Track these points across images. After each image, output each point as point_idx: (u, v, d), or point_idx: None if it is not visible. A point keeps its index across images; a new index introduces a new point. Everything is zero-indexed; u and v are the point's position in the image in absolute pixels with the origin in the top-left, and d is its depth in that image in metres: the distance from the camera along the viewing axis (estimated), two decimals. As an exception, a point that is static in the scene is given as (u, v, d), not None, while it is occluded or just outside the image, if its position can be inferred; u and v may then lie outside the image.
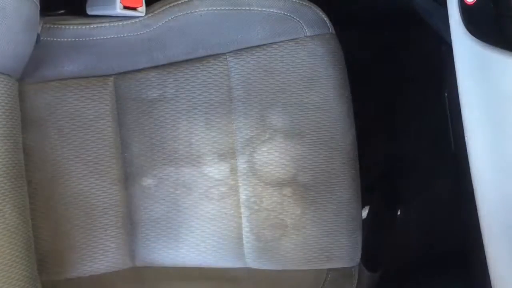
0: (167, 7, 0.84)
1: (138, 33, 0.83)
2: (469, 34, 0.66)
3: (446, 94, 0.88)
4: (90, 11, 0.84)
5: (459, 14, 0.67)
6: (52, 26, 0.81)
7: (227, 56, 0.85)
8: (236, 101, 0.84)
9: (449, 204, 1.00)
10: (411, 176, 1.19)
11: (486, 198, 0.69)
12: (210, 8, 0.84)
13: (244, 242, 0.85)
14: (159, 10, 0.84)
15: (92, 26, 0.82)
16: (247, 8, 0.84)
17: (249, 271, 0.86)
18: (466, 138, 0.70)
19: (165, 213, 0.84)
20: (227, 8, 0.84)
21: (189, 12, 0.84)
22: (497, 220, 0.68)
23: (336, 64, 0.86)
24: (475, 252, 0.77)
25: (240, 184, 0.84)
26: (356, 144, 0.88)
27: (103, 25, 0.83)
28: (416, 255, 1.12)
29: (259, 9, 0.84)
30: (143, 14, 0.83)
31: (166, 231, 0.84)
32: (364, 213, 1.09)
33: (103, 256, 0.82)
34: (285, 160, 0.85)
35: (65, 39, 0.82)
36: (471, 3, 0.65)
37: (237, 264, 0.86)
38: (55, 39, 0.81)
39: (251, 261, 0.85)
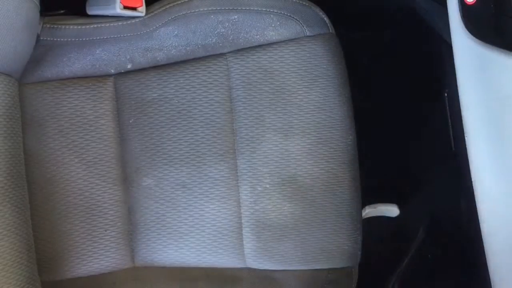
0: (167, 7, 0.84)
1: (138, 33, 0.83)
2: (469, 34, 0.66)
3: (446, 94, 0.88)
4: (90, 11, 0.85)
5: (459, 14, 0.67)
6: (52, 26, 0.81)
7: (227, 56, 0.84)
8: (236, 101, 0.84)
9: (449, 203, 1.00)
10: (411, 176, 1.19)
11: (486, 198, 0.69)
12: (210, 8, 0.84)
13: (244, 242, 0.85)
14: (159, 10, 0.84)
15: (92, 26, 0.82)
16: (247, 8, 0.84)
17: (249, 271, 0.86)
18: (466, 138, 0.70)
19: (165, 213, 0.84)
20: (226, 8, 0.84)
21: (189, 12, 0.84)
22: (497, 219, 0.68)
23: (336, 64, 0.86)
24: (475, 251, 0.77)
25: (240, 184, 0.84)
26: (356, 144, 0.88)
27: (103, 25, 0.83)
28: (416, 254, 1.12)
29: (259, 9, 0.84)
30: (143, 14, 0.83)
31: (166, 231, 0.84)
32: (364, 213, 1.09)
33: (103, 256, 0.82)
34: (285, 160, 0.84)
35: (65, 39, 0.82)
36: (471, 3, 0.65)
37: (237, 264, 0.86)
38: (55, 39, 0.81)
39: (251, 261, 0.85)
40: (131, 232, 0.84)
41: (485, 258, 0.71)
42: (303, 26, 0.85)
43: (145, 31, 0.83)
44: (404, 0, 0.92)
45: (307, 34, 0.86)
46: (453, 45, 0.70)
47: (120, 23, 0.83)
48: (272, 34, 0.85)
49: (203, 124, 0.84)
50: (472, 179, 0.70)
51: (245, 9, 0.84)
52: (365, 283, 0.94)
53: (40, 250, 0.78)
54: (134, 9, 0.82)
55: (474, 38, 0.65)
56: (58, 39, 0.82)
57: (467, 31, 0.66)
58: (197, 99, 0.84)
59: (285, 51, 0.85)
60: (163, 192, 0.84)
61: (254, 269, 0.86)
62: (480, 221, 0.70)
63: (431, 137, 1.13)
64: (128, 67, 0.84)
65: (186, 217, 0.84)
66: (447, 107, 0.88)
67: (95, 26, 0.82)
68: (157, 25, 0.83)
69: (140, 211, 0.84)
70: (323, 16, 0.87)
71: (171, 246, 0.84)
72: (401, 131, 1.20)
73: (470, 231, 0.83)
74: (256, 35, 0.85)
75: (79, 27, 0.82)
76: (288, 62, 0.85)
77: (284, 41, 0.85)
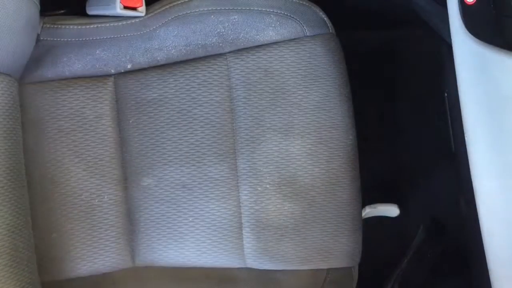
0: (167, 7, 0.84)
1: (138, 33, 0.83)
2: (469, 34, 0.66)
3: (446, 94, 0.88)
4: (90, 11, 0.85)
5: (459, 14, 0.67)
6: (52, 26, 0.81)
7: (227, 56, 0.85)
8: (236, 101, 0.84)
9: (449, 203, 1.00)
10: (411, 176, 1.19)
11: (486, 198, 0.69)
12: (210, 8, 0.84)
13: (244, 242, 0.85)
14: (159, 10, 0.84)
15: (92, 26, 0.82)
16: (247, 8, 0.84)
17: (249, 271, 0.86)
18: (466, 138, 0.70)
19: (165, 213, 0.84)
20: (227, 8, 0.84)
21: (189, 12, 0.84)
22: (497, 219, 0.68)
23: (336, 64, 0.86)
24: (475, 251, 0.77)
25: (240, 184, 0.84)
26: (356, 144, 0.88)
27: (103, 25, 0.83)
28: (416, 254, 1.12)
29: (259, 9, 0.84)
30: (143, 14, 0.83)
31: (166, 231, 0.84)
32: (364, 213, 1.09)
33: (103, 256, 0.82)
34: (285, 160, 0.85)
35: (65, 39, 0.82)
36: (471, 3, 0.65)
37: (237, 264, 0.86)
38: (55, 39, 0.81)
39: (251, 261, 0.85)
40: (131, 232, 0.84)
41: (485, 258, 0.71)
42: (303, 26, 0.85)
43: (145, 31, 0.83)
44: (404, 0, 0.92)
45: (307, 34, 0.86)
46: (453, 45, 0.70)
47: (120, 23, 0.83)
48: (272, 34, 0.85)
49: (203, 124, 0.84)
50: (472, 179, 0.70)
51: (245, 9, 0.84)
52: (365, 283, 0.94)
53: (40, 250, 0.78)
54: (134, 9, 0.83)
55: (474, 38, 0.65)
56: (58, 39, 0.82)
57: (467, 31, 0.66)
58: (197, 99, 0.84)
59: (285, 51, 0.85)
60: (163, 192, 0.84)
61: (254, 269, 0.86)
62: (480, 220, 0.70)
63: (431, 137, 1.13)
64: (128, 67, 0.84)
65: (186, 217, 0.84)
66: (447, 107, 0.88)
67: (95, 26, 0.83)
68: (157, 25, 0.84)
69: (140, 211, 0.84)
70: (323, 16, 0.87)
71: (171, 246, 0.84)
72: (401, 131, 1.20)
73: (470, 231, 0.83)
74: (256, 35, 0.85)
75: (79, 27, 0.82)
76: (288, 62, 0.85)
77: (284, 41, 0.85)
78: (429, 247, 1.11)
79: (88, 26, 0.82)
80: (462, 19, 0.66)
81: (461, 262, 0.96)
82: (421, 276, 1.11)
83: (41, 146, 0.80)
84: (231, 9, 0.84)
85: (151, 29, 0.83)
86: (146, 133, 0.83)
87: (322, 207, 0.85)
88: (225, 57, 0.85)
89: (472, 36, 0.65)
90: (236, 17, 0.84)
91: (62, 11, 0.88)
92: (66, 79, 0.82)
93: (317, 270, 0.87)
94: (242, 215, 0.84)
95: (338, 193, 0.86)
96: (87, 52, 0.82)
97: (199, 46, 0.84)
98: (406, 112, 1.19)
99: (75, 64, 0.82)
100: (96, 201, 0.82)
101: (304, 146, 0.85)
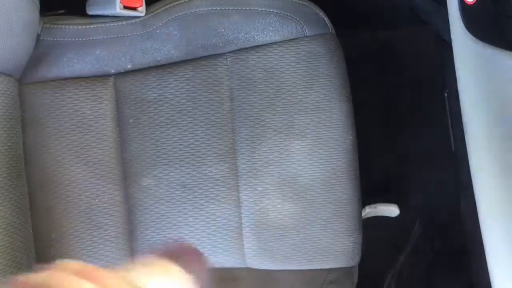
0: (167, 7, 0.84)
1: (138, 33, 0.83)
2: (469, 34, 0.66)
3: (446, 94, 0.88)
4: (90, 11, 0.85)
5: (459, 14, 0.67)
6: (52, 26, 0.81)
7: (227, 56, 0.85)
8: (236, 101, 0.84)
9: (449, 203, 1.00)
10: (411, 176, 1.19)
11: (486, 198, 0.69)
12: (210, 8, 0.84)
13: (244, 242, 0.85)
14: (159, 10, 0.84)
15: (92, 26, 0.82)
16: (247, 8, 0.84)
17: (249, 271, 0.86)
18: (466, 138, 0.70)
19: (165, 213, 0.84)
20: (227, 8, 0.84)
21: (189, 12, 0.84)
22: (497, 219, 0.68)
23: (336, 64, 0.86)
24: (475, 251, 0.77)
25: (240, 184, 0.84)
26: (356, 144, 0.88)
27: (103, 25, 0.83)
28: (415, 255, 1.12)
29: (259, 9, 0.84)
30: (143, 14, 0.83)
31: (166, 231, 0.84)
32: (364, 213, 1.09)
33: (103, 256, 0.82)
34: (285, 160, 0.85)
35: (65, 39, 0.82)
36: (471, 3, 0.65)
37: (237, 264, 0.86)
38: (55, 39, 0.81)
39: (251, 261, 0.85)
40: (131, 232, 0.84)
41: (485, 256, 0.71)
42: (303, 26, 0.85)
43: (145, 31, 0.83)
44: (404, 0, 0.92)
45: (307, 34, 0.86)
46: (453, 45, 0.70)
47: (120, 23, 0.83)
48: (272, 34, 0.85)
49: (203, 124, 0.84)
50: (472, 179, 0.70)
51: (245, 9, 0.84)
52: (365, 282, 0.94)
53: (39, 250, 0.78)
54: (134, 9, 0.83)
55: (474, 38, 0.65)
56: (58, 39, 0.82)
57: (467, 31, 0.66)
58: (197, 99, 0.84)
59: (285, 51, 0.85)
60: (163, 192, 0.84)
61: (254, 269, 0.86)
62: (479, 220, 0.70)
63: (431, 137, 1.13)
64: (128, 67, 0.84)
65: (186, 217, 0.84)
66: (447, 107, 0.88)
67: (95, 26, 0.82)
68: (157, 25, 0.83)
69: (140, 211, 0.84)
70: (323, 16, 0.87)
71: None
72: (401, 131, 1.20)
73: (469, 230, 0.83)
74: (256, 35, 0.85)
75: (79, 27, 0.82)
76: (288, 62, 0.85)
77: (284, 41, 0.85)
78: (429, 246, 1.11)
79: (88, 26, 0.82)
80: (462, 19, 0.66)
81: (460, 260, 0.96)
82: (418, 271, 1.11)
83: (41, 146, 0.80)
84: (231, 9, 0.84)
85: (151, 29, 0.83)
86: (146, 133, 0.83)
87: (322, 207, 0.85)
88: (225, 57, 0.85)
89: (472, 36, 0.65)
90: (236, 17, 0.84)
91: (62, 11, 0.88)
92: (66, 79, 0.82)
93: (317, 270, 0.87)
94: (242, 215, 0.84)
95: (338, 193, 0.86)
96: (87, 52, 0.82)
97: (199, 46, 0.84)
98: (406, 112, 1.19)
99: (75, 64, 0.82)
100: (96, 201, 0.82)
101: (304, 146, 0.85)
